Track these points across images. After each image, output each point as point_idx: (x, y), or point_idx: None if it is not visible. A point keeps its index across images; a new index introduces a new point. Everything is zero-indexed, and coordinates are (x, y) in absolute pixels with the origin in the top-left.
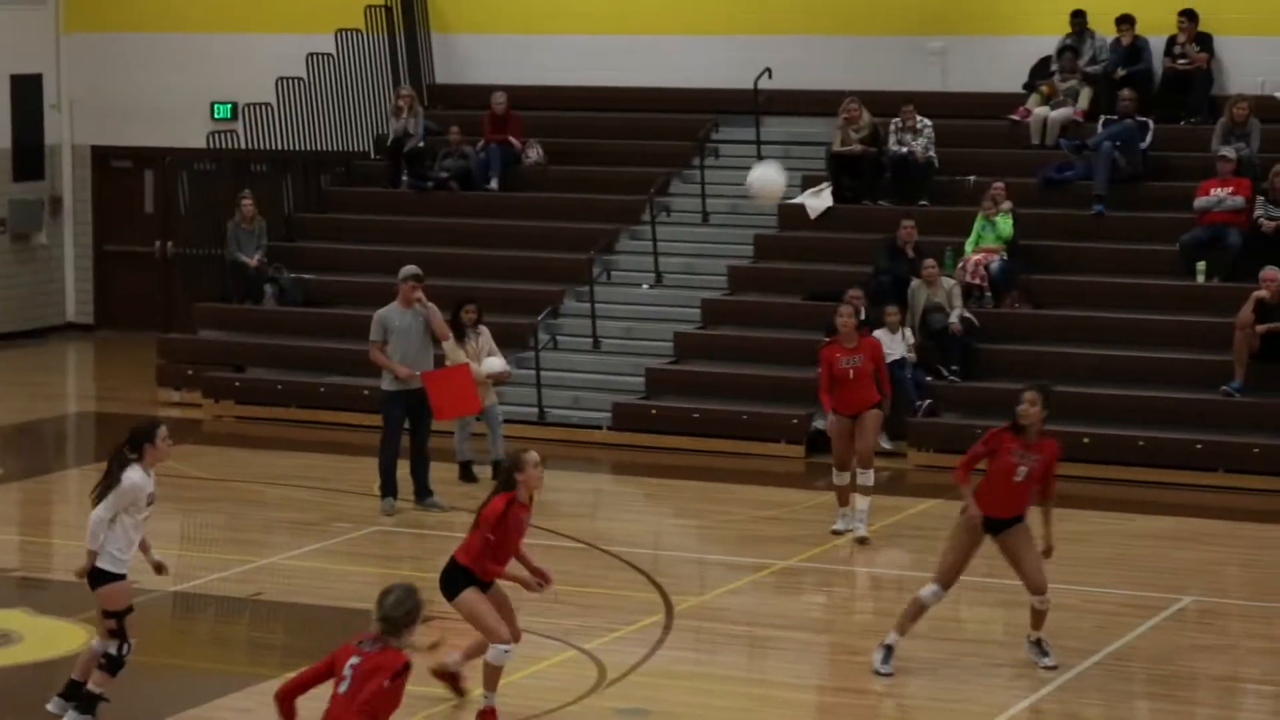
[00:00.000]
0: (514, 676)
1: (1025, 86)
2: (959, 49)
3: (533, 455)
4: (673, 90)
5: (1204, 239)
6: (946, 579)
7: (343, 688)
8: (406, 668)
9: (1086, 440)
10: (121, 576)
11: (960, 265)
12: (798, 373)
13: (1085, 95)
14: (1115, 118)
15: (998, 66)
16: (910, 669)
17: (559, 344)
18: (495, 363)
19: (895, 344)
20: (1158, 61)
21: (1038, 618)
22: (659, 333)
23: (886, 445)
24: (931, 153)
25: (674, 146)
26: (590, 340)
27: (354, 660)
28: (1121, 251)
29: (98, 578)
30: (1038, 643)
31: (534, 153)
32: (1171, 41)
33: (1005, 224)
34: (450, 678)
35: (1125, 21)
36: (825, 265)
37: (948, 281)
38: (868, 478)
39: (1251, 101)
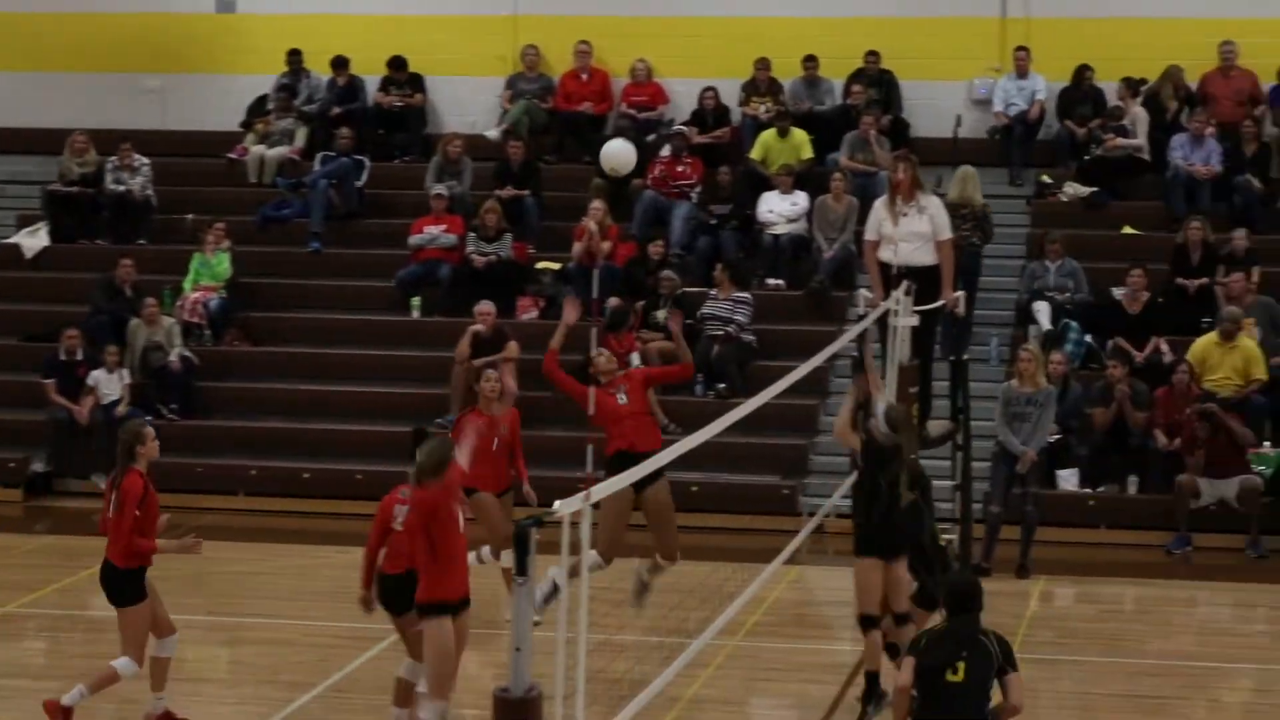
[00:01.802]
0: None
1: (243, 125)
2: (177, 87)
3: (150, 428)
4: None
5: (419, 275)
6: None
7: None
8: None
9: (306, 475)
10: None
11: (179, 304)
12: (12, 415)
13: (302, 134)
14: (333, 155)
15: (216, 105)
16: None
17: None
18: None
19: (113, 384)
20: (373, 100)
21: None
22: None
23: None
24: (150, 191)
25: None
26: None
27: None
28: (339, 288)
29: None
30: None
31: None
32: (385, 81)
33: (222, 262)
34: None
35: (340, 63)
36: (42, 305)
37: (167, 320)
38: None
39: (464, 140)
